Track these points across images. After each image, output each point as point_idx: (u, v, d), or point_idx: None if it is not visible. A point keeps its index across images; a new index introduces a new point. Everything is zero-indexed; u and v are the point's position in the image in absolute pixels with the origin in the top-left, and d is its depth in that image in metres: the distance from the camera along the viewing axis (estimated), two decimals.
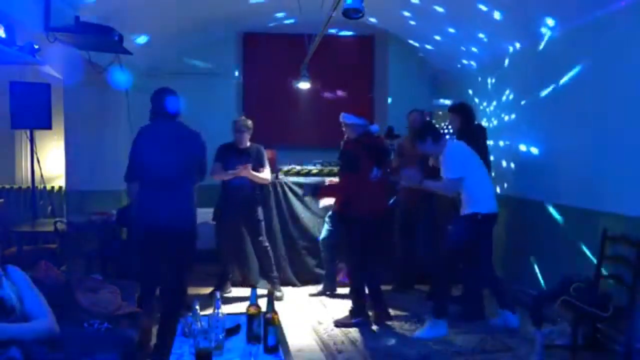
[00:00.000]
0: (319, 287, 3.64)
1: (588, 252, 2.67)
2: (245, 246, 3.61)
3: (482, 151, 2.98)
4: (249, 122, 3.44)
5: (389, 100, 4.88)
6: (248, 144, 3.48)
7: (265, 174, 3.47)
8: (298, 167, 4.02)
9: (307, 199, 3.82)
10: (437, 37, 4.25)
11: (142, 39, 3.77)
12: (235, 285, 3.71)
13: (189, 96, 4.29)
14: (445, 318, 2.67)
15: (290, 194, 3.83)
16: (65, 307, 1.76)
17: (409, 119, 3.62)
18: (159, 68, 4.50)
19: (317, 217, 3.80)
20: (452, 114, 3.27)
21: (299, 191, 3.86)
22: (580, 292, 2.26)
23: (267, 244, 3.52)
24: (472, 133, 3.07)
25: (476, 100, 4.16)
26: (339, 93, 4.94)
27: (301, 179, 3.91)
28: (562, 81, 3.04)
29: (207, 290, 3.48)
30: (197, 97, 4.45)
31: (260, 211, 3.50)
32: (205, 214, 3.66)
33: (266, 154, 3.51)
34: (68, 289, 2.01)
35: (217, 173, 3.38)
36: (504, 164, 3.71)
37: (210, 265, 3.66)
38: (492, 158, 3.44)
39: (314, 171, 3.99)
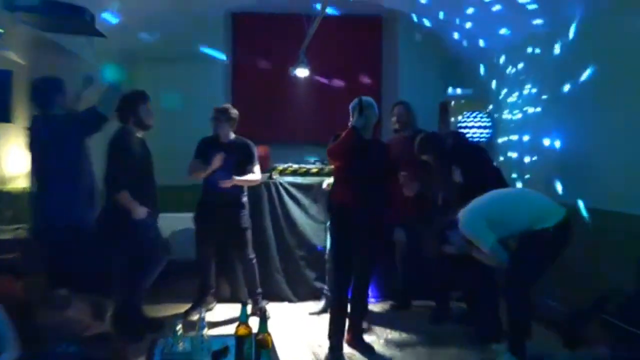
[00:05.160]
0: (320, 304, 3.60)
1: (629, 264, 2.64)
2: (234, 258, 3.60)
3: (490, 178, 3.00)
4: (233, 111, 3.37)
5: (399, 89, 4.87)
6: (232, 136, 3.40)
7: (255, 175, 3.39)
8: (295, 166, 4.01)
9: (306, 201, 3.79)
10: (454, 18, 4.21)
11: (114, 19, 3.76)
12: (222, 301, 3.68)
13: (170, 85, 4.45)
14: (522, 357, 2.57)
15: (286, 197, 3.81)
16: (26, 328, 1.76)
17: (395, 112, 3.60)
18: (136, 53, 4.47)
19: (317, 223, 3.78)
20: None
21: (296, 193, 3.83)
22: (620, 310, 2.24)
23: (253, 255, 3.45)
24: (467, 158, 3.06)
25: (498, 88, 4.15)
26: (342, 81, 4.92)
27: (299, 179, 3.89)
28: (599, 68, 3.00)
29: (187, 307, 3.47)
30: (180, 86, 4.49)
31: (246, 217, 3.43)
32: (186, 220, 3.70)
33: (257, 151, 3.46)
34: (29, 307, 2.01)
35: (193, 170, 3.29)
36: (528, 160, 3.69)
37: (192, 279, 3.63)
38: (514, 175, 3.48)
39: (314, 170, 3.99)
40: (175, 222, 4.13)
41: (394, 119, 3.63)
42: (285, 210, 3.79)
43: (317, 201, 3.79)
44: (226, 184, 3.24)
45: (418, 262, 3.51)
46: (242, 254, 3.41)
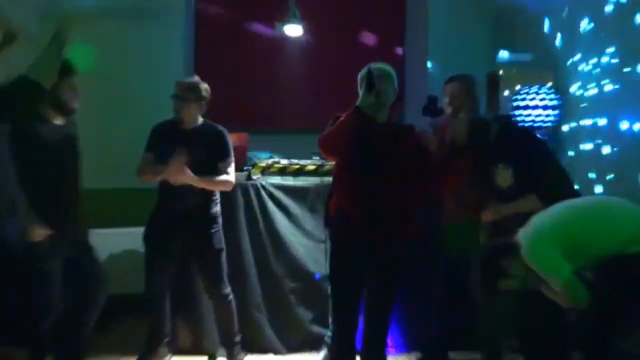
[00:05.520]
0: (319, 356, 3.58)
1: None
2: (197, 291, 3.60)
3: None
4: (204, 87, 3.38)
5: (429, 54, 4.87)
6: (200, 121, 3.38)
7: (227, 176, 3.37)
8: (284, 162, 3.96)
9: (300, 211, 3.80)
10: None
11: None
12: (180, 352, 3.68)
13: (110, 47, 4.41)
14: None
15: (271, 205, 3.77)
16: None
17: (447, 91, 3.63)
18: (62, 5, 4.48)
19: (315, 242, 3.76)
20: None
21: (286, 200, 3.81)
22: None
23: (228, 290, 3.44)
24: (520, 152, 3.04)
25: (567, 51, 4.10)
26: (349, 44, 4.92)
27: (289, 180, 3.88)
28: None
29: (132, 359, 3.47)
30: (123, 50, 4.51)
31: (220, 234, 3.43)
32: (132, 237, 3.73)
33: (231, 141, 3.45)
34: None
35: (145, 169, 3.30)
36: (607, 150, 3.64)
37: (140, 321, 3.61)
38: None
39: (309, 168, 3.93)
40: (117, 241, 4.16)
41: (445, 99, 3.60)
42: (270, 224, 3.76)
43: (315, 211, 3.77)
44: (176, 175, 3.16)
45: (460, 300, 3.47)
46: (216, 289, 3.39)
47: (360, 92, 2.76)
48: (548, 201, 2.71)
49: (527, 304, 2.90)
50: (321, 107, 4.43)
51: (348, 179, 2.79)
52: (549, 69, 4.21)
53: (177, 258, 3.41)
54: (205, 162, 3.29)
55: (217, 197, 3.43)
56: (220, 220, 3.43)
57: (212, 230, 3.37)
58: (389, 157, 2.76)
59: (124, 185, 3.72)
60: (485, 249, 2.96)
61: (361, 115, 2.70)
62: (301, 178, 3.88)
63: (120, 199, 3.99)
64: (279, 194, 3.79)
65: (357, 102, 2.73)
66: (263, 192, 3.75)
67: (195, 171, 3.22)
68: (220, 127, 3.42)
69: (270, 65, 4.85)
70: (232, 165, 3.40)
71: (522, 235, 2.60)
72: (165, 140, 3.29)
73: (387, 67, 2.83)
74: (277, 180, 3.85)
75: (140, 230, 3.49)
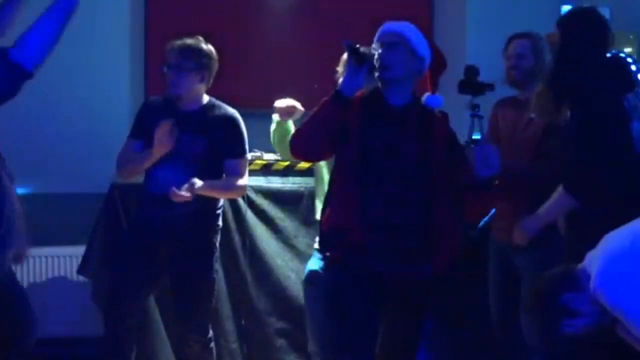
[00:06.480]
0: None
1: None
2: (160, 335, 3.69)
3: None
4: (206, 49, 3.37)
5: (467, 10, 4.84)
6: (205, 100, 3.38)
7: (240, 178, 3.40)
8: (268, 156, 4.04)
9: (290, 225, 3.88)
10: None
11: None
12: None
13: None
14: None
15: (250, 215, 3.83)
16: None
17: (510, 52, 3.57)
18: None
19: None
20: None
21: (271, 209, 3.88)
22: None
23: (211, 333, 3.44)
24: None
25: None
26: None
27: (276, 182, 3.97)
28: None
29: None
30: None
31: (216, 258, 3.46)
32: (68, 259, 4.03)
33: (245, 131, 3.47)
34: None
35: (124, 160, 3.38)
36: None
37: None
38: None
39: (303, 165, 3.94)
40: (43, 265, 4.27)
41: (508, 64, 3.51)
42: (250, 242, 3.81)
43: (311, 224, 3.79)
44: (178, 196, 3.17)
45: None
46: (199, 333, 3.39)
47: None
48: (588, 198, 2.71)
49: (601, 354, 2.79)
50: (321, 77, 4.25)
51: (344, 181, 2.77)
52: (630, 28, 4.21)
53: (156, 285, 3.44)
54: (207, 157, 3.31)
55: (220, 207, 3.45)
56: (218, 239, 3.45)
57: (208, 254, 3.38)
58: (406, 154, 2.74)
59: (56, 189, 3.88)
60: (537, 280, 2.72)
61: (342, 101, 2.69)
62: (292, 179, 3.94)
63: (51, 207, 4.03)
64: (261, 201, 3.84)
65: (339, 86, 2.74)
66: (240, 199, 3.73)
67: (192, 167, 3.25)
68: (232, 111, 3.42)
69: (250, 23, 4.84)
70: (246, 162, 3.46)
71: (594, 259, 2.43)
72: (157, 123, 3.28)
73: (399, 26, 2.82)
74: (259, 181, 3.89)
75: (76, 250, 3.65)
